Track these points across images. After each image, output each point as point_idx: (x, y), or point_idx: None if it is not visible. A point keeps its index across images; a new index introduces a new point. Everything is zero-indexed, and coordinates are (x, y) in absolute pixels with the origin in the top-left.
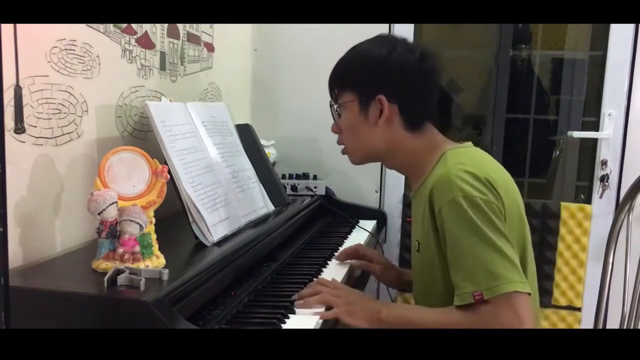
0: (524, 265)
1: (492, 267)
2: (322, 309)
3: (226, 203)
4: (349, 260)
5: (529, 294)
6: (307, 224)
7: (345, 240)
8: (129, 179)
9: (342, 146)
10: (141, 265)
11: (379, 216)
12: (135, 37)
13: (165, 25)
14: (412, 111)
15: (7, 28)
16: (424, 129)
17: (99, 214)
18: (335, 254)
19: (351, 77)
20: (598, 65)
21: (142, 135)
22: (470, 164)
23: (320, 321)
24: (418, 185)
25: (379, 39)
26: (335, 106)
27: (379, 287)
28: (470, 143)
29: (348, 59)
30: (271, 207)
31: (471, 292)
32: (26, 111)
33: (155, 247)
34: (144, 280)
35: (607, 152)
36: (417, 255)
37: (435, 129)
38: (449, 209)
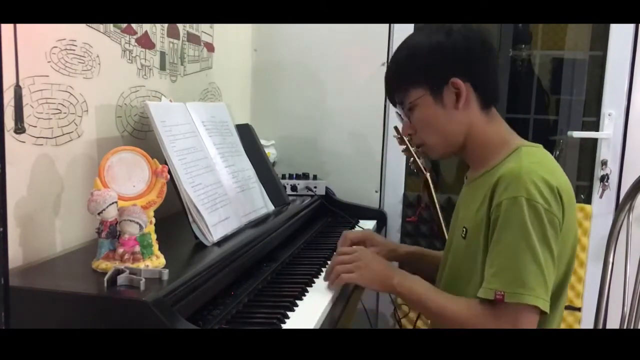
0: (566, 279)
1: (524, 274)
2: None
3: (226, 203)
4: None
5: (546, 313)
6: (307, 224)
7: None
8: (129, 179)
9: (417, 145)
10: (141, 265)
11: (379, 216)
12: (135, 37)
13: (165, 25)
14: (485, 86)
15: (7, 28)
16: (494, 116)
17: (99, 214)
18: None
19: (415, 73)
20: (598, 65)
21: (142, 135)
22: (546, 168)
23: (322, 320)
24: (480, 172)
25: (427, 28)
26: (405, 107)
27: None
28: (541, 145)
29: (405, 57)
30: (271, 207)
31: (495, 290)
32: (26, 111)
33: (155, 247)
34: (144, 280)
35: (607, 152)
36: (462, 241)
37: (503, 120)
38: (508, 204)
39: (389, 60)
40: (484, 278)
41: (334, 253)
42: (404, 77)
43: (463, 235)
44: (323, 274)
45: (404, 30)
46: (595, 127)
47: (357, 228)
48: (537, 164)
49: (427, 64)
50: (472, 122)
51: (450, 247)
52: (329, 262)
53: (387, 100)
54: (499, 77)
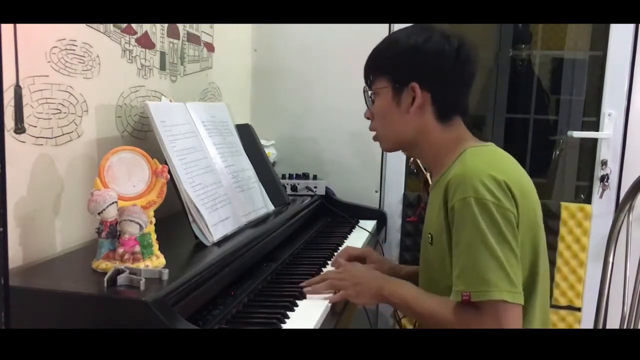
0: (535, 269)
1: (484, 272)
2: (330, 294)
3: (226, 203)
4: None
5: (521, 305)
6: (307, 224)
7: (345, 240)
8: (129, 179)
9: (373, 133)
10: (141, 265)
11: (379, 216)
12: (135, 37)
13: (165, 25)
14: (444, 101)
15: (7, 28)
16: (453, 123)
17: (99, 214)
18: (335, 254)
19: (385, 64)
20: (598, 65)
21: (142, 135)
22: (491, 165)
23: (322, 320)
24: (437, 178)
25: (416, 27)
26: (369, 92)
27: None
28: (491, 143)
29: (383, 46)
30: (271, 207)
31: (461, 291)
32: (26, 111)
33: (155, 247)
34: (144, 280)
35: (607, 152)
36: (430, 247)
37: (463, 125)
38: (459, 206)
39: (378, 43)
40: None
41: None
42: (376, 64)
43: (430, 241)
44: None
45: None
46: (595, 127)
47: (357, 228)
48: (482, 162)
49: (396, 61)
50: (424, 128)
51: (422, 255)
52: (329, 262)
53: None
54: (467, 93)
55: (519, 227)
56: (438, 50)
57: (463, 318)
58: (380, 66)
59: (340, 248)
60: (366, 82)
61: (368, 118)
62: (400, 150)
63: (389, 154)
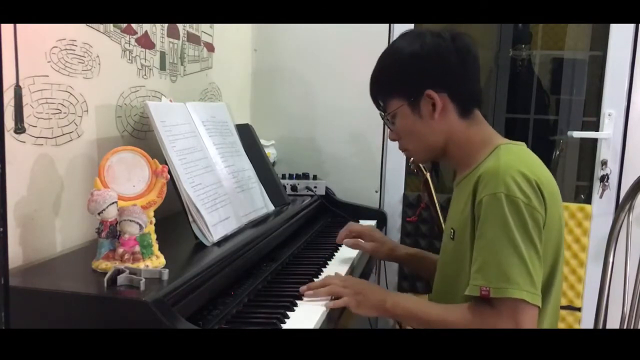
0: (554, 273)
1: (507, 268)
2: (330, 302)
3: (226, 203)
4: (344, 241)
5: (538, 307)
6: (307, 224)
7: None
8: (129, 179)
9: (406, 150)
10: (141, 265)
11: (379, 216)
12: (135, 37)
13: (165, 25)
14: (462, 94)
15: (7, 28)
16: (476, 118)
17: (99, 214)
18: (335, 254)
19: (393, 84)
20: (598, 65)
21: (142, 135)
22: (524, 164)
23: (324, 314)
24: (464, 174)
25: (404, 37)
26: (387, 116)
27: (379, 283)
28: (523, 143)
29: (382, 68)
30: (271, 207)
31: (480, 286)
32: (26, 111)
33: (155, 247)
34: (144, 280)
35: (607, 152)
36: (451, 242)
37: (485, 121)
38: (488, 201)
39: (375, 65)
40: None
41: (334, 252)
42: (383, 86)
43: (452, 236)
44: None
45: (403, 31)
46: (595, 127)
47: None
48: (515, 160)
49: (402, 77)
50: (451, 129)
51: (443, 250)
52: (329, 262)
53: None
54: (477, 82)
55: (544, 228)
56: (436, 50)
57: (478, 317)
58: (388, 88)
59: (340, 248)
60: (378, 107)
61: (394, 139)
62: (436, 159)
63: (388, 153)
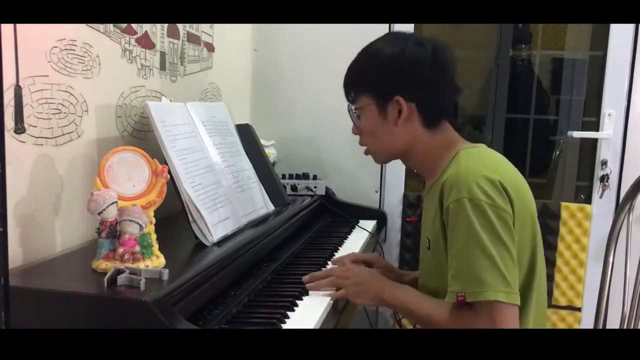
0: (533, 269)
1: (479, 272)
2: (331, 292)
3: (226, 203)
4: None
5: (517, 305)
6: (307, 224)
7: (345, 241)
8: (129, 179)
9: (364, 147)
10: (141, 265)
11: (379, 216)
12: (135, 37)
13: (165, 25)
14: (430, 108)
15: (7, 28)
16: (441, 127)
17: (99, 214)
18: (335, 254)
19: (365, 81)
20: (598, 65)
21: (142, 135)
22: (485, 166)
23: (322, 320)
24: (431, 182)
25: (388, 38)
26: (353, 109)
27: None
28: (483, 145)
29: (360, 63)
30: (271, 207)
31: (456, 292)
32: (26, 111)
33: (155, 247)
34: (144, 280)
35: (607, 152)
36: (427, 252)
37: (452, 128)
38: (454, 208)
39: (354, 58)
40: None
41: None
42: (356, 81)
43: (427, 246)
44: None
45: (404, 31)
46: (595, 127)
47: (357, 228)
48: (475, 163)
49: (376, 78)
50: (413, 138)
51: (421, 260)
52: (329, 262)
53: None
54: (451, 96)
55: (515, 227)
56: (415, 60)
57: (458, 319)
58: (361, 83)
59: (341, 248)
60: (347, 99)
61: (356, 133)
62: (395, 159)
63: None
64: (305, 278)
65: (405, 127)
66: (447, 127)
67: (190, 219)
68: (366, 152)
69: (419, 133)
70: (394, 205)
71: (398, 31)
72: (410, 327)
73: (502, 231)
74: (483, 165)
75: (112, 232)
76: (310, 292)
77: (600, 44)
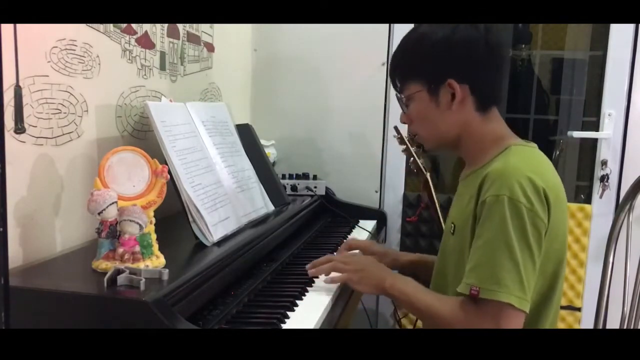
0: (556, 279)
1: (499, 271)
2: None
3: (226, 203)
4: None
5: (525, 312)
6: (307, 224)
7: (345, 240)
8: (129, 179)
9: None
10: (141, 265)
11: (379, 216)
12: (135, 37)
13: (165, 25)
14: (483, 90)
15: (7, 28)
16: (492, 114)
17: (99, 214)
18: (335, 254)
19: (416, 66)
20: (598, 65)
21: (142, 135)
22: (533, 168)
23: (322, 320)
24: (472, 169)
25: (435, 24)
26: (403, 97)
27: None
28: (535, 145)
29: (409, 47)
30: (271, 207)
31: (471, 285)
32: (26, 111)
33: (155, 247)
34: (144, 280)
35: (607, 152)
36: (450, 237)
37: (502, 119)
38: (491, 202)
39: (398, 45)
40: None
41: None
42: (405, 69)
43: (452, 231)
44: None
45: (404, 30)
46: (595, 127)
47: (357, 228)
48: (524, 163)
49: (427, 62)
50: (466, 122)
51: (443, 244)
52: None
53: (387, 97)
54: (502, 80)
55: (546, 236)
56: (468, 40)
57: (461, 315)
58: (410, 70)
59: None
60: (394, 87)
61: (405, 122)
62: (446, 149)
63: (388, 153)
64: (307, 266)
65: (459, 110)
66: (498, 115)
67: (190, 219)
68: (417, 139)
69: (473, 117)
70: (394, 205)
71: None
72: (410, 327)
73: (532, 238)
74: (531, 167)
75: (112, 232)
76: (309, 292)
77: (600, 44)
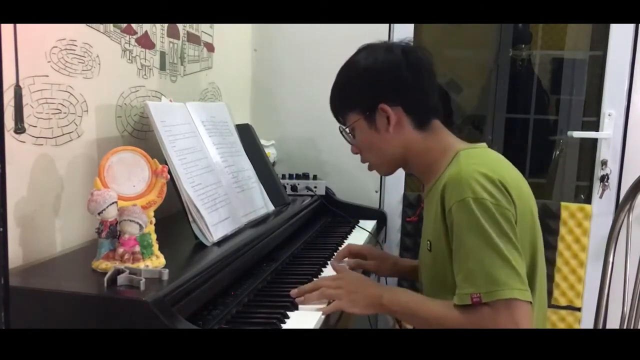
0: (533, 268)
1: (493, 271)
2: (324, 305)
3: (226, 203)
4: (345, 260)
5: (530, 302)
6: (307, 224)
7: (345, 241)
8: (129, 179)
9: (367, 164)
10: (141, 265)
11: (379, 216)
12: (135, 37)
13: (165, 25)
14: (416, 107)
15: (7, 28)
16: (434, 128)
17: (99, 214)
18: (335, 254)
19: (348, 99)
20: (598, 65)
21: (142, 135)
22: (485, 165)
23: (323, 317)
24: (431, 184)
25: (359, 52)
26: (346, 130)
27: (378, 281)
28: (484, 144)
29: (338, 83)
30: (271, 207)
31: (470, 294)
32: (26, 111)
33: (155, 247)
34: (144, 280)
35: (607, 152)
36: (429, 254)
37: (446, 129)
38: (458, 208)
39: (334, 81)
40: (456, 285)
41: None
42: (340, 102)
43: (429, 248)
44: (300, 294)
45: (404, 30)
46: (595, 127)
47: (357, 228)
48: (475, 162)
49: (357, 92)
50: (408, 141)
51: (422, 261)
52: (329, 262)
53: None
54: (433, 94)
55: (517, 225)
56: (388, 65)
57: (475, 319)
58: (346, 101)
59: (340, 248)
60: (338, 121)
61: (356, 153)
62: (394, 171)
63: None
64: (293, 292)
65: (397, 132)
66: (440, 126)
67: (190, 219)
68: (370, 168)
69: (414, 136)
70: (394, 205)
71: (368, 43)
72: (410, 327)
73: (508, 229)
74: (484, 165)
75: (112, 232)
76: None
77: (600, 44)
